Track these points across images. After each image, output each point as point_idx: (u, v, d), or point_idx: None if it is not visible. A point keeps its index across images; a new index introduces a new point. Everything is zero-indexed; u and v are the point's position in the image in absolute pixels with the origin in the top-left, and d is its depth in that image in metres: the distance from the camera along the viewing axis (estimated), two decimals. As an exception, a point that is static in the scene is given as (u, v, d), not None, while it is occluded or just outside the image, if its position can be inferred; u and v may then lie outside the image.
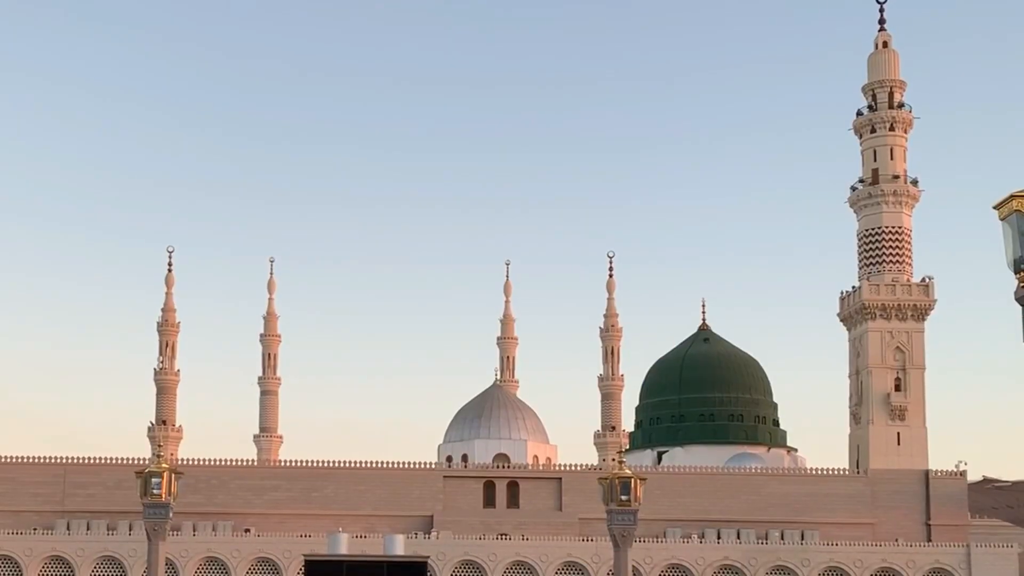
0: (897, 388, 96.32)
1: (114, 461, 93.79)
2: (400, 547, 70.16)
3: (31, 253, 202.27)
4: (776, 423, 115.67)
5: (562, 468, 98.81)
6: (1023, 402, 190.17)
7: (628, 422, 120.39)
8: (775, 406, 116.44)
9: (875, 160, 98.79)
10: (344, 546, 69.23)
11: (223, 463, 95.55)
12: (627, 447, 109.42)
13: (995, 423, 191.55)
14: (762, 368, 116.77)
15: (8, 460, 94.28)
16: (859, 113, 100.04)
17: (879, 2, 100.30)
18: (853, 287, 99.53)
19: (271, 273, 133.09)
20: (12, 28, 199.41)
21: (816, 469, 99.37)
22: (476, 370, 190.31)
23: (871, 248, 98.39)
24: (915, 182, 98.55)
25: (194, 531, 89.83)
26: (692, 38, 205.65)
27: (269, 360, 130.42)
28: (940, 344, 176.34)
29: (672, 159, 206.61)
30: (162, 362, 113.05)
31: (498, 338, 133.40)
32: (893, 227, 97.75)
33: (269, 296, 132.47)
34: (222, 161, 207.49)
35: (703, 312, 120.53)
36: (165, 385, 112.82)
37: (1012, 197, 16.09)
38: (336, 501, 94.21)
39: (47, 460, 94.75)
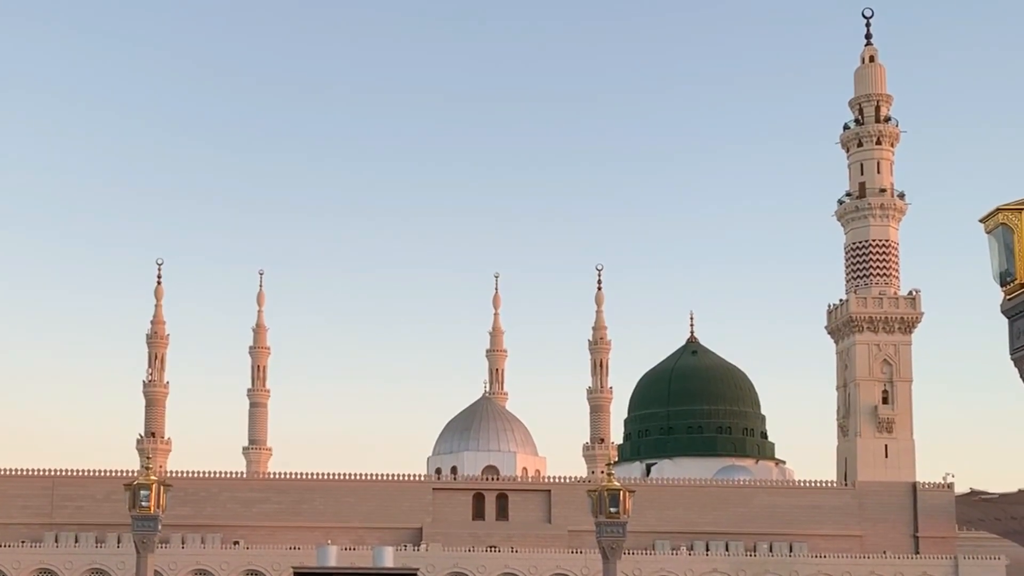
0: (884, 401, 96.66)
1: (103, 473, 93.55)
2: (389, 559, 70.25)
3: (18, 264, 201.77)
4: (764, 435, 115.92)
5: (551, 480, 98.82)
6: (1010, 414, 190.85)
7: (617, 434, 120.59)
8: (763, 418, 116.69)
9: (862, 173, 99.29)
10: (333, 558, 69.28)
11: (212, 475, 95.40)
12: (616, 459, 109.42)
13: (982, 435, 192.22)
14: (750, 380, 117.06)
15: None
16: (846, 127, 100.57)
17: (865, 17, 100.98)
18: (840, 300, 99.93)
19: (260, 285, 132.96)
20: (2, 39, 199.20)
21: (804, 481, 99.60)
22: (465, 382, 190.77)
23: (858, 261, 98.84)
24: (902, 195, 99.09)
25: (183, 544, 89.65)
26: (680, 52, 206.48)
27: (258, 372, 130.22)
28: (927, 357, 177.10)
29: (660, 172, 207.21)
30: (151, 374, 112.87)
31: (487, 350, 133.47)
32: (880, 240, 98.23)
33: (259, 308, 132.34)
34: (211, 173, 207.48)
35: (691, 324, 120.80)
36: (154, 397, 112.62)
37: (998, 210, 16.21)
38: (325, 513, 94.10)
39: (35, 472, 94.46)
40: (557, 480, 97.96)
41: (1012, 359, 16.07)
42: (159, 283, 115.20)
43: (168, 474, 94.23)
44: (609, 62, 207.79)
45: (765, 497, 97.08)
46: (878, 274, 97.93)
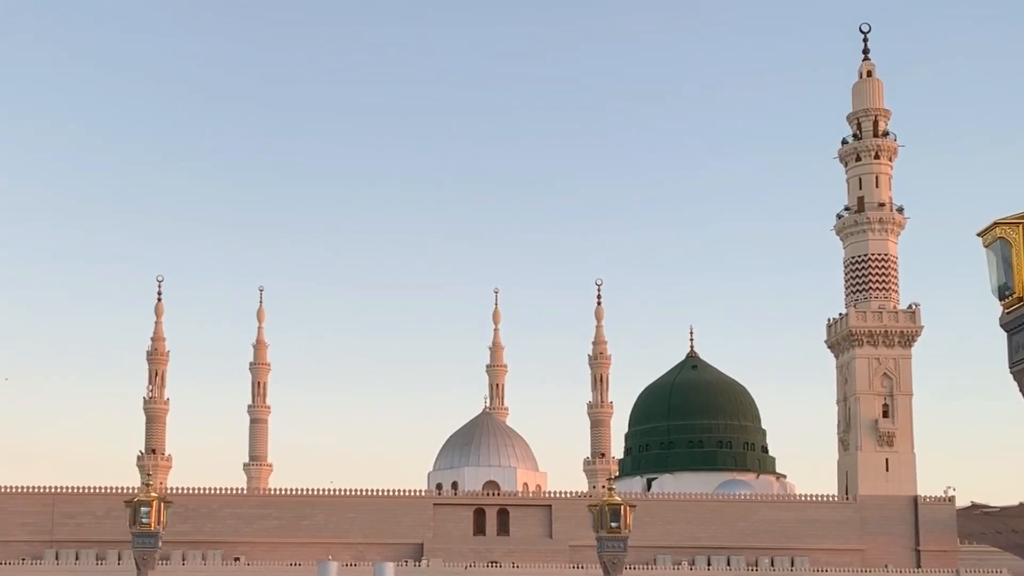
0: (885, 414, 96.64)
1: (103, 490, 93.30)
2: (390, 575, 70.29)
3: (18, 281, 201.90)
4: (765, 450, 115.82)
5: (552, 495, 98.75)
6: (1010, 428, 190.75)
7: (617, 449, 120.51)
8: (764, 433, 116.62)
9: (860, 188, 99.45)
10: (334, 574, 69.34)
11: (213, 492, 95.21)
12: (616, 474, 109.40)
13: (983, 449, 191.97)
14: (750, 395, 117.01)
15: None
16: (844, 141, 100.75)
17: (863, 31, 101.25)
18: (840, 314, 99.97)
19: (261, 302, 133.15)
20: (2, 57, 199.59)
21: (805, 495, 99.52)
22: (465, 397, 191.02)
23: (857, 275, 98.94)
24: (900, 210, 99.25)
25: (183, 560, 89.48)
26: (678, 68, 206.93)
27: (259, 388, 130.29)
28: (927, 370, 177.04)
29: (659, 187, 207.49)
30: (151, 391, 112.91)
31: (487, 365, 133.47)
32: (879, 254, 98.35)
33: (259, 324, 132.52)
34: (211, 189, 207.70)
35: (691, 339, 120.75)
36: (154, 414, 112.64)
37: (996, 224, 16.28)
38: (326, 529, 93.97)
39: (36, 489, 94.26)
40: (558, 495, 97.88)
41: (1011, 372, 16.14)
42: (159, 300, 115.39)
43: (168, 491, 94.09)
44: (608, 77, 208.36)
45: (766, 511, 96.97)
46: (877, 288, 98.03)
